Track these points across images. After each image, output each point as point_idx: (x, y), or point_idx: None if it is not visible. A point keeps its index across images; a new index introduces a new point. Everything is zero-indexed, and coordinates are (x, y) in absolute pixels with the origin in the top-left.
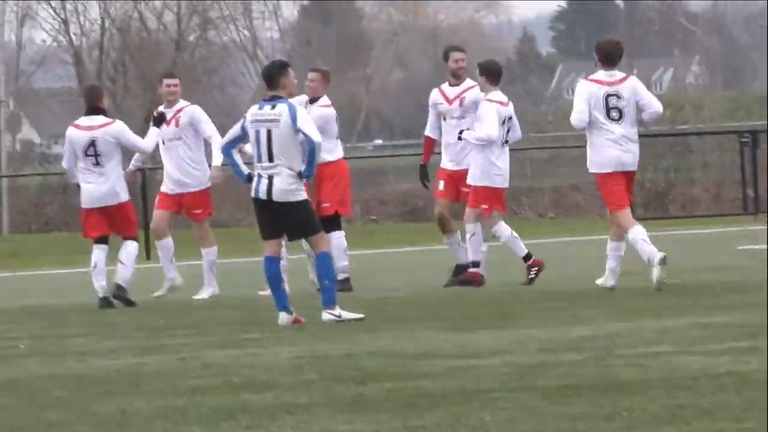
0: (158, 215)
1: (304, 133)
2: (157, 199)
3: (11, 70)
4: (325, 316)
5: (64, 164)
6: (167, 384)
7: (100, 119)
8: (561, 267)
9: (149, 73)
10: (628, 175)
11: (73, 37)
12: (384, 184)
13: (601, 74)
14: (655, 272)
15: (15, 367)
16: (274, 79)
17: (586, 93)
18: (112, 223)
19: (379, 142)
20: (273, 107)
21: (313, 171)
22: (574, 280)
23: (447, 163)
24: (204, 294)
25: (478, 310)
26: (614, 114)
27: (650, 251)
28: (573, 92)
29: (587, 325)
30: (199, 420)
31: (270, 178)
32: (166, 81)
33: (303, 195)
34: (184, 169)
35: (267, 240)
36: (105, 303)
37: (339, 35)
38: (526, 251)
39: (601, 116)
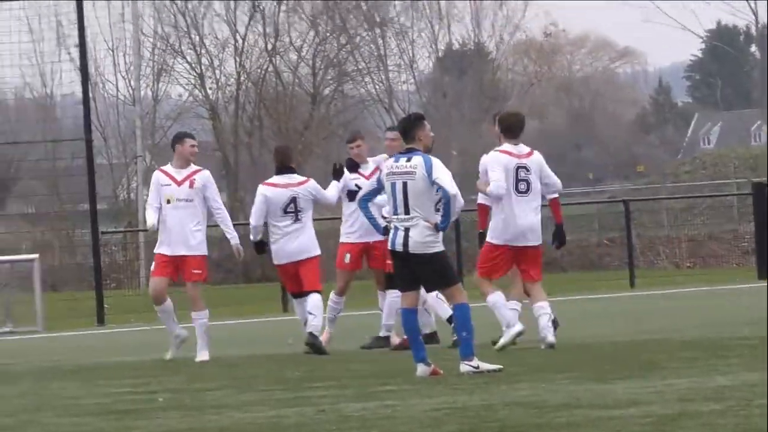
0: (159, 282)
1: (439, 185)
2: (155, 265)
3: (147, 125)
4: (464, 367)
5: (254, 221)
6: None
7: (297, 177)
8: (699, 316)
9: (285, 127)
10: (527, 251)
11: (209, 92)
12: None
13: (508, 146)
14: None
15: (153, 421)
16: (410, 132)
17: (501, 163)
18: (299, 277)
19: None
20: (408, 160)
21: (448, 222)
22: (713, 329)
23: None
24: (205, 356)
25: (617, 360)
26: (522, 186)
27: (510, 317)
28: (710, 142)
29: (726, 375)
30: None
31: (406, 230)
32: (189, 141)
33: (440, 246)
34: (190, 231)
35: (404, 292)
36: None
37: (474, 86)
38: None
39: (510, 187)
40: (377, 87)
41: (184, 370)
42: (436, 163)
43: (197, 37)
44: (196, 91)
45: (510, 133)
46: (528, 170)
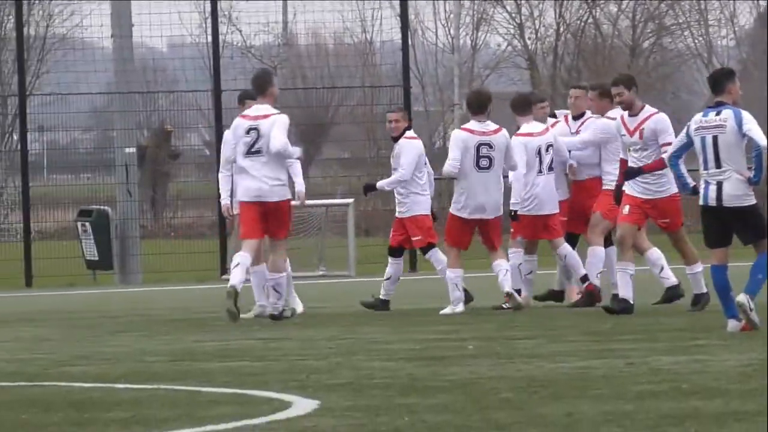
0: None
1: (750, 137)
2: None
3: (465, 74)
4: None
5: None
6: (614, 388)
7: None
8: None
9: (604, 79)
10: (486, 222)
11: (528, 42)
12: None
13: (473, 124)
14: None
15: (464, 368)
16: (720, 84)
17: (460, 141)
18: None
19: None
20: (718, 114)
21: (761, 175)
22: None
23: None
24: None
25: None
26: (484, 162)
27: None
28: None
29: None
30: (646, 425)
31: (719, 184)
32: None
33: (753, 199)
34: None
35: (714, 248)
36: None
37: None
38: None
39: (471, 164)
40: (696, 42)
41: (494, 318)
42: (746, 115)
43: None
44: (515, 41)
45: (477, 111)
46: (491, 147)
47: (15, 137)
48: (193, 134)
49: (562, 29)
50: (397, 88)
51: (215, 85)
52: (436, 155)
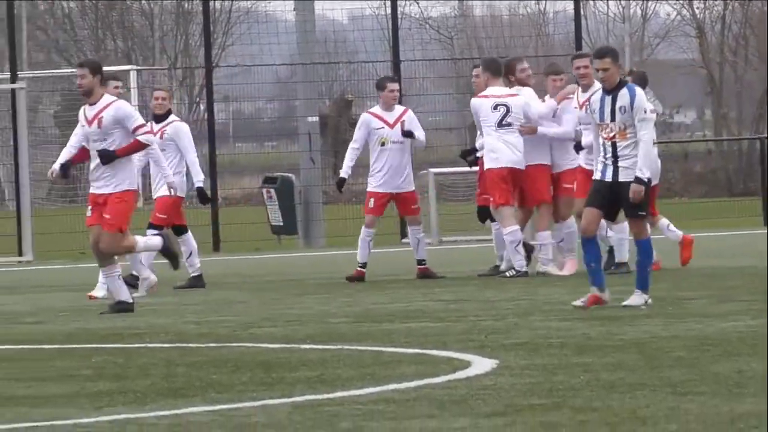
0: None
1: None
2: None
3: (636, 43)
4: None
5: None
6: None
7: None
8: None
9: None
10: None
11: (696, 11)
12: None
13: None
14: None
15: (638, 327)
16: None
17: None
18: None
19: None
20: None
21: None
22: None
23: None
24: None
25: None
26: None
27: None
28: None
29: None
30: None
31: None
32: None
33: None
34: None
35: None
36: None
37: None
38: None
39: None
40: None
41: (666, 277)
42: None
43: None
44: (684, 10)
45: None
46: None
47: (202, 107)
48: (373, 103)
49: None
50: (569, 56)
51: (394, 56)
52: None
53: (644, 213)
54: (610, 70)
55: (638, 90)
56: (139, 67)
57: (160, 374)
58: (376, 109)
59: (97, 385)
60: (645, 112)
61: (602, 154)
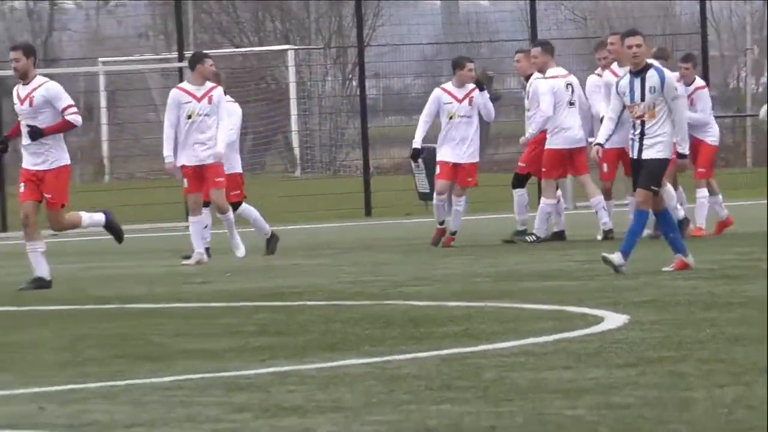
0: None
1: None
2: None
3: (757, 21)
4: None
5: None
6: None
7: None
8: None
9: None
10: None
11: None
12: None
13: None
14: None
15: (761, 285)
16: None
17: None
18: None
19: None
20: None
21: None
22: None
23: None
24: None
25: None
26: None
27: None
28: None
29: None
30: None
31: None
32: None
33: None
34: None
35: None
36: None
37: None
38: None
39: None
40: None
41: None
42: None
43: None
44: None
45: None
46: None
47: (354, 84)
48: (512, 79)
49: None
50: (694, 35)
51: (532, 35)
52: (730, 96)
53: (657, 189)
54: (642, 47)
55: (666, 71)
56: (296, 47)
57: (318, 330)
58: (448, 85)
59: (259, 340)
60: (676, 89)
61: (632, 132)
